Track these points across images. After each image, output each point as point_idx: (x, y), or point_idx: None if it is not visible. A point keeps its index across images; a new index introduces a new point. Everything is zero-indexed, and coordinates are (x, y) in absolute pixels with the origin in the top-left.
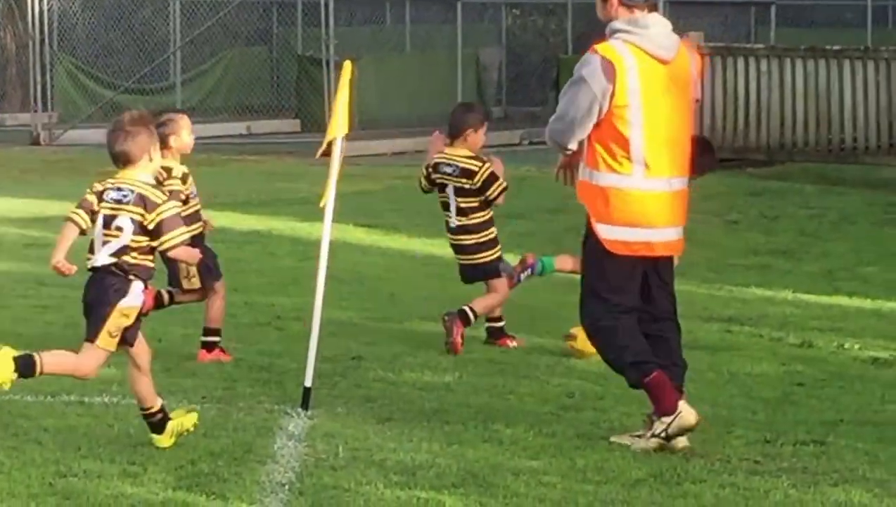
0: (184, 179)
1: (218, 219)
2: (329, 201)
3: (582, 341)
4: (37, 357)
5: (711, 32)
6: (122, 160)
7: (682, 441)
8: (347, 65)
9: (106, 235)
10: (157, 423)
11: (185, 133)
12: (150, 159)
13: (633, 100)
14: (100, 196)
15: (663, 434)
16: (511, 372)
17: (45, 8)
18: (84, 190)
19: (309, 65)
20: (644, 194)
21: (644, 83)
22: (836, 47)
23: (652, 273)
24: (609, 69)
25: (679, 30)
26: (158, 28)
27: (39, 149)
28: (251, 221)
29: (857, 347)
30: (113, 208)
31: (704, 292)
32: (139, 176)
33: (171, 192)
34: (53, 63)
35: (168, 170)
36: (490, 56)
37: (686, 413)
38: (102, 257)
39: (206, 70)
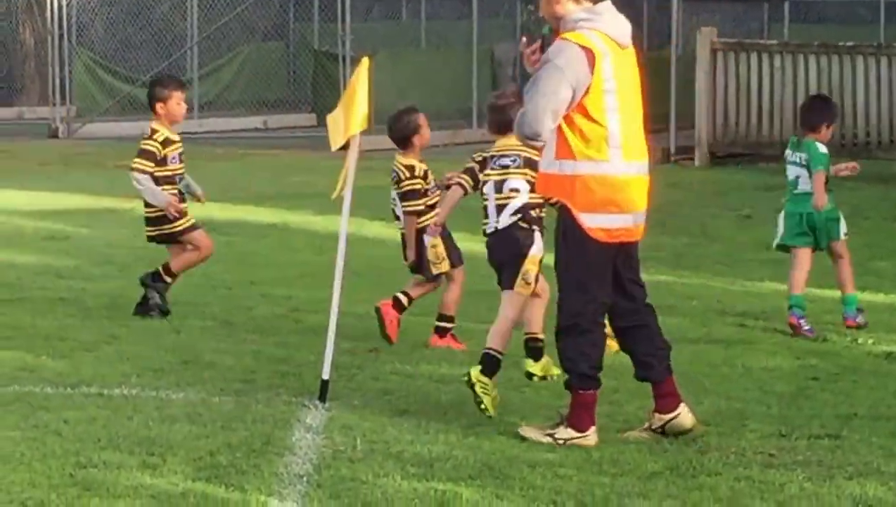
0: (424, 176)
1: (235, 212)
2: (347, 195)
3: None
4: (493, 353)
5: (724, 28)
6: (507, 126)
7: (686, 422)
8: (365, 61)
9: (499, 198)
10: (537, 350)
11: (426, 129)
12: None
13: (608, 86)
14: (482, 165)
15: (561, 442)
16: None
17: (64, 2)
18: (99, 182)
19: (325, 60)
20: (623, 179)
21: (615, 69)
22: (849, 43)
23: (623, 264)
24: (589, 57)
25: (692, 25)
26: (176, 23)
27: (57, 142)
28: (268, 214)
29: (870, 341)
30: (502, 174)
31: (718, 286)
32: (517, 141)
33: (410, 190)
34: (72, 57)
35: (411, 168)
36: (505, 52)
37: (591, 439)
38: (504, 219)
39: (223, 65)
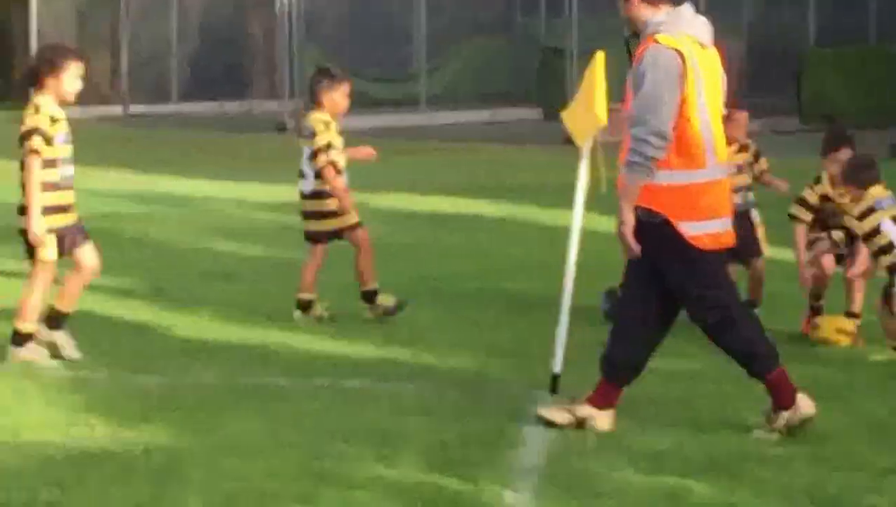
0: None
1: (465, 206)
2: (579, 189)
3: (825, 330)
4: None
5: None
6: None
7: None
8: (600, 55)
9: None
10: None
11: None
12: None
13: (699, 87)
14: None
15: (784, 428)
16: None
17: None
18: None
19: (551, 54)
20: (718, 183)
21: (703, 70)
22: None
23: None
24: (680, 60)
25: None
26: (403, 17)
27: (286, 136)
28: (497, 208)
29: None
30: None
31: None
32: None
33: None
34: (300, 51)
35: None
36: (732, 49)
37: (804, 405)
38: None
39: (449, 59)
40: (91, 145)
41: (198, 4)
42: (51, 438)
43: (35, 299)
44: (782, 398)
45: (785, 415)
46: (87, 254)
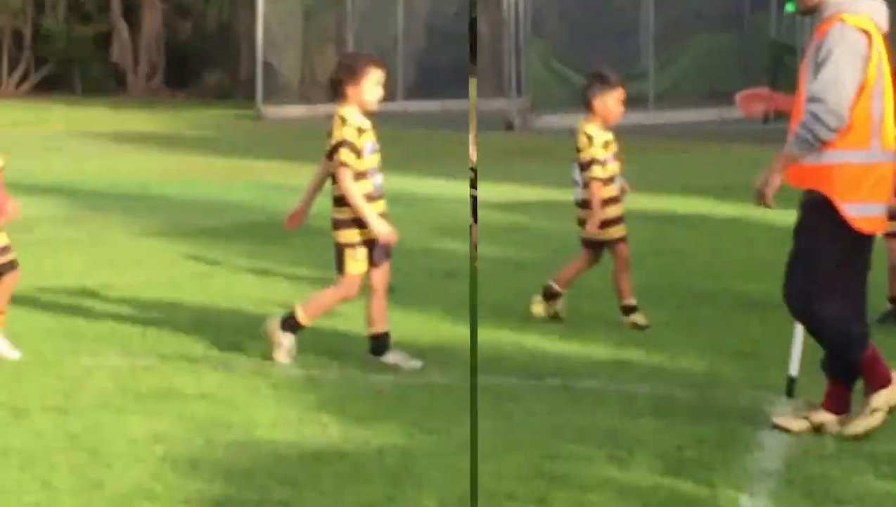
0: None
1: (696, 206)
2: None
3: None
4: None
5: None
6: None
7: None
8: None
9: None
10: None
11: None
12: None
13: (879, 71)
14: None
15: (884, 408)
16: None
17: None
18: (555, 175)
19: (781, 50)
20: (880, 166)
21: (882, 53)
22: None
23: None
24: (867, 40)
25: None
26: (630, 13)
27: (513, 134)
28: (728, 207)
29: None
30: None
31: None
32: None
33: None
34: (527, 48)
35: None
36: None
37: None
38: None
39: (677, 55)
40: (318, 143)
41: (424, 2)
42: (283, 436)
43: (325, 302)
44: (881, 377)
45: (883, 396)
46: (379, 274)
